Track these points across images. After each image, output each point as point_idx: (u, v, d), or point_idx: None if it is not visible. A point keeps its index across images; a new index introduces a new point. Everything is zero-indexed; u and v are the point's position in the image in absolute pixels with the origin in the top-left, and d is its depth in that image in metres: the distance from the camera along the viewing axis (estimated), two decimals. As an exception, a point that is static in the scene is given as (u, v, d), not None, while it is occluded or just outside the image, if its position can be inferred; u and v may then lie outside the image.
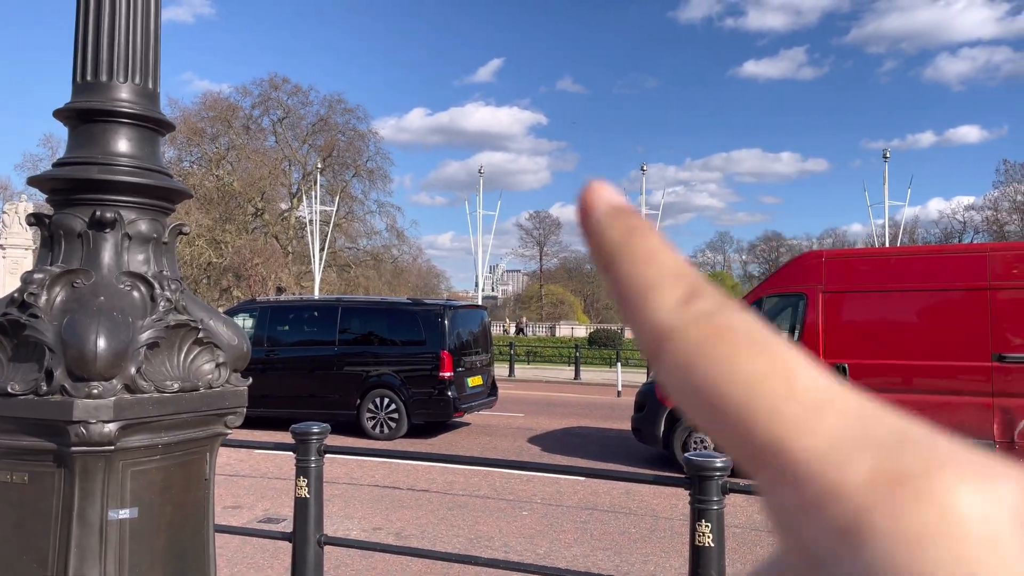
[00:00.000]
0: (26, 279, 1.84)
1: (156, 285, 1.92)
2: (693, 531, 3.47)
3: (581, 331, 50.37)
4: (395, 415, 12.01)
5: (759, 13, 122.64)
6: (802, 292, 9.19)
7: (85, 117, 1.98)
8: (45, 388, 1.77)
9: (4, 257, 27.87)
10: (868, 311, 8.98)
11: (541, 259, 78.66)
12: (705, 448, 8.68)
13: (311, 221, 39.58)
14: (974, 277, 8.29)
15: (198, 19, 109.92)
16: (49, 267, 1.88)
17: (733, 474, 3.45)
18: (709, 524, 3.42)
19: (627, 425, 11.44)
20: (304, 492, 4.16)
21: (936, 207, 79.79)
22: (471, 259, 42.29)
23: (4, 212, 29.15)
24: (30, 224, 2.03)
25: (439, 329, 11.99)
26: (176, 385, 1.90)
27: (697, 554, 3.45)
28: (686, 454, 3.66)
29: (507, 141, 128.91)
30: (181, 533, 1.96)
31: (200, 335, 1.99)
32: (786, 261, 12.21)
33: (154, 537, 1.87)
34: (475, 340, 13.11)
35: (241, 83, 75.79)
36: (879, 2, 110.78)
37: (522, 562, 5.53)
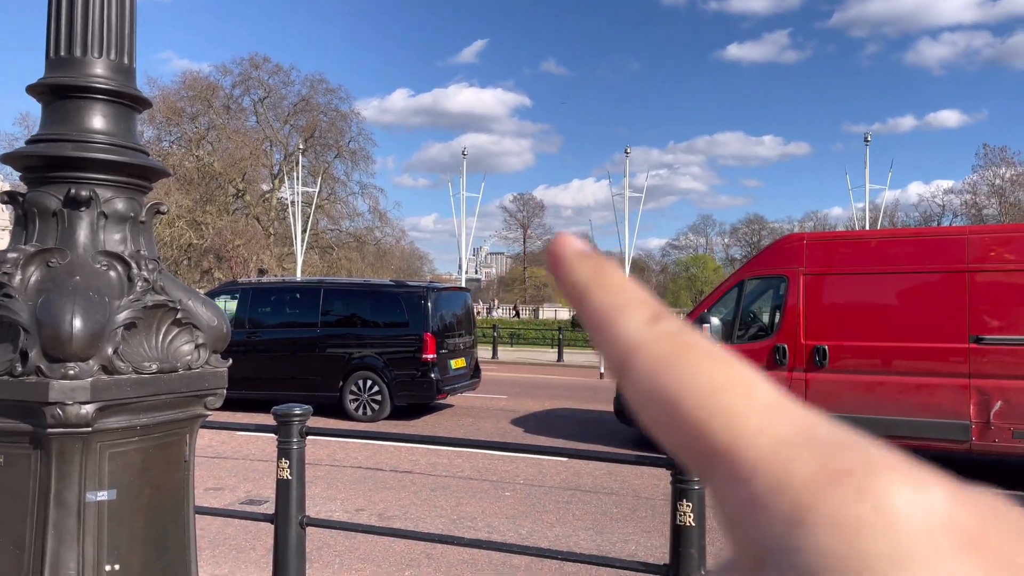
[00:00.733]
0: (-1, 258, 1.80)
1: (133, 265, 1.89)
2: (675, 511, 3.50)
3: (564, 314, 50.48)
4: (378, 397, 12.01)
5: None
6: (783, 274, 9.25)
7: (59, 93, 1.93)
8: (20, 369, 1.74)
9: (-20, 238, 27.51)
10: (848, 293, 9.06)
11: (525, 241, 78.70)
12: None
13: (293, 202, 39.33)
14: (953, 260, 8.38)
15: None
16: (23, 246, 1.85)
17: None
18: (691, 504, 3.45)
19: (609, 406, 11.51)
20: (286, 474, 4.14)
21: (916, 191, 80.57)
22: (454, 241, 42.17)
23: (-21, 192, 28.71)
24: (3, 203, 1.98)
25: (422, 311, 11.97)
26: (154, 366, 1.88)
27: (678, 533, 3.49)
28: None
29: (491, 123, 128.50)
30: (161, 515, 1.94)
31: (179, 316, 1.96)
32: (768, 244, 12.27)
33: (133, 519, 1.86)
34: (458, 322, 13.09)
35: (221, 62, 74.90)
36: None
37: (505, 542, 5.56)
